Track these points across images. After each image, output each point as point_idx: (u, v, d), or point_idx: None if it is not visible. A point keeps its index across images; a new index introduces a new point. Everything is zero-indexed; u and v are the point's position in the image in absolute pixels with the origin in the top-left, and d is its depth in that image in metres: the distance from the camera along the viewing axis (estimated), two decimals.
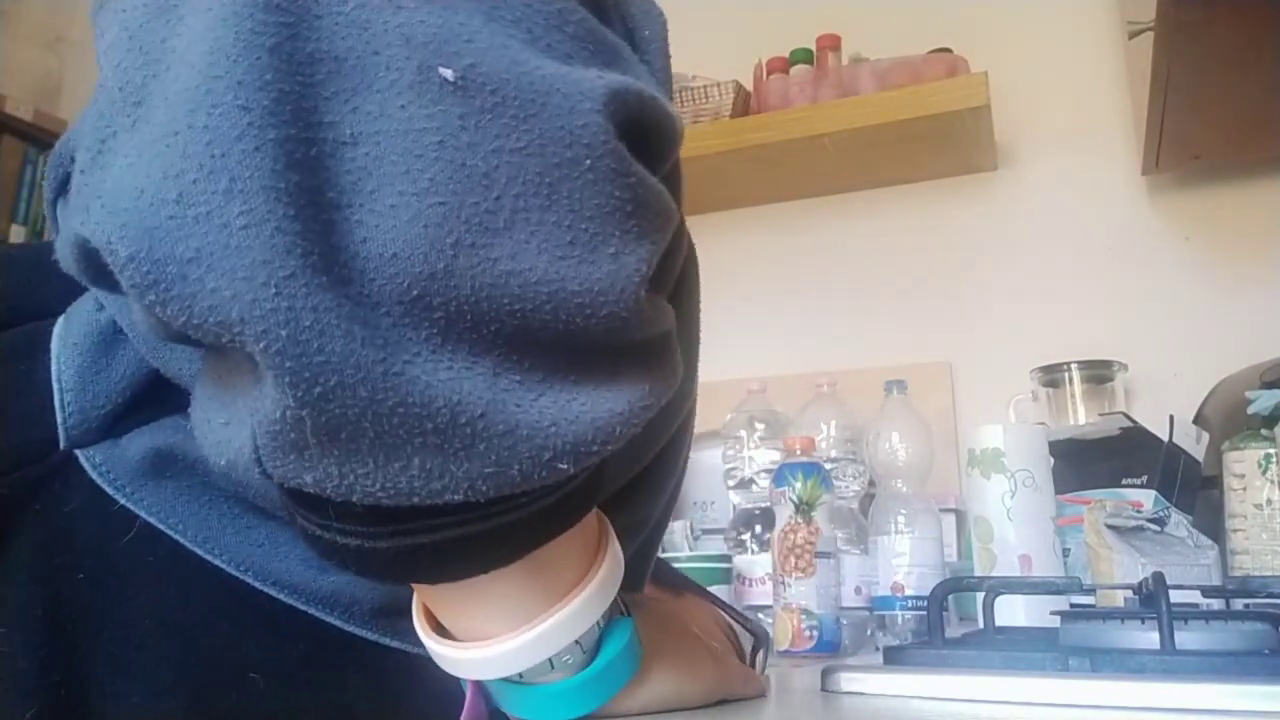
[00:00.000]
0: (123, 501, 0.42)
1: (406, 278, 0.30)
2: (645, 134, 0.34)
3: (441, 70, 0.30)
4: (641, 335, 0.34)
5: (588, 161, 0.31)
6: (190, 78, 0.29)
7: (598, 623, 0.40)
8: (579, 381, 0.33)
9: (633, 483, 0.48)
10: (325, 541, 0.35)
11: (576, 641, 0.39)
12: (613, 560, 0.41)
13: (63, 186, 0.43)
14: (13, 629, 0.40)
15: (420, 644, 0.41)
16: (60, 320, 0.45)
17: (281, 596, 0.43)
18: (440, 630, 0.40)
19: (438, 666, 0.40)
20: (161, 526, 0.42)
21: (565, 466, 0.32)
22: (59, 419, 0.42)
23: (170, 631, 0.42)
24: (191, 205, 0.29)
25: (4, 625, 0.40)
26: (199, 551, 0.43)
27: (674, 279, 0.40)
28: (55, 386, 0.43)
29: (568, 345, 0.32)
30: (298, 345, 0.29)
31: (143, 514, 0.42)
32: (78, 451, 0.43)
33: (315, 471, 0.31)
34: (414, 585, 0.40)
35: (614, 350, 0.34)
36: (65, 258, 0.35)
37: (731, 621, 0.65)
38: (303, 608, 0.44)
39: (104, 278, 0.33)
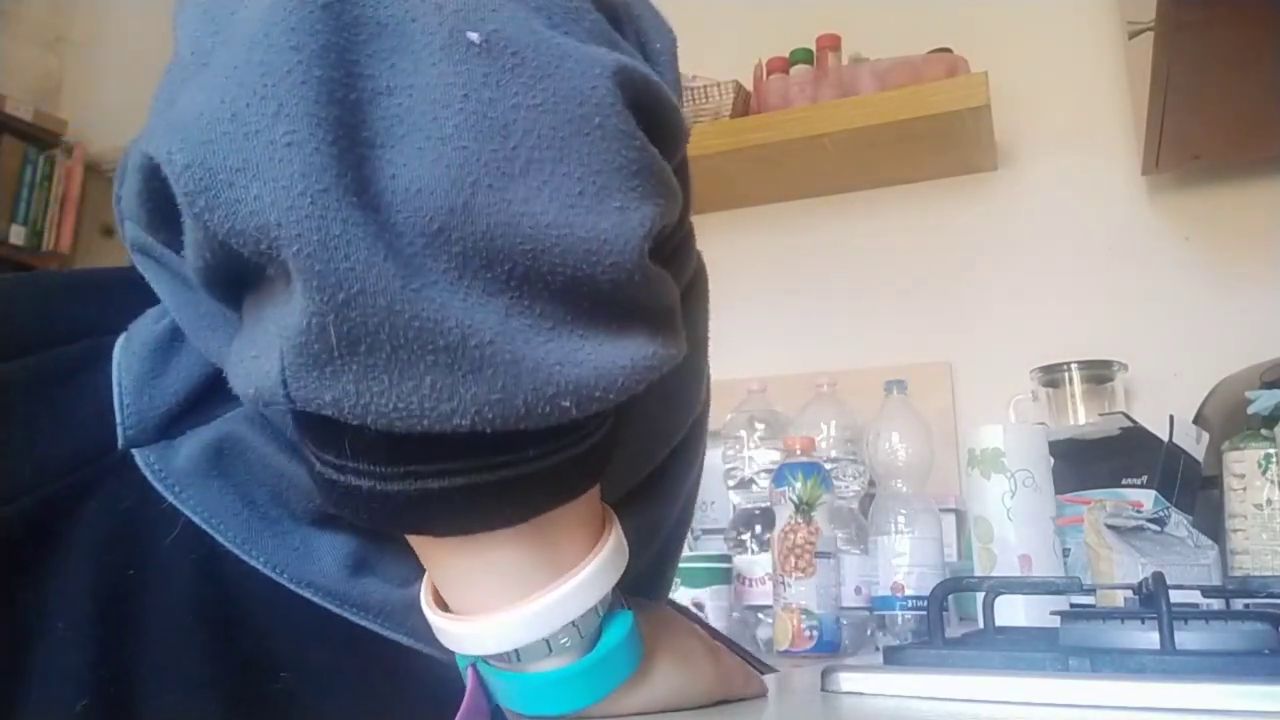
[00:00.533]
0: (170, 499, 0.44)
1: (429, 210, 0.32)
2: (648, 114, 0.37)
3: (469, 34, 0.34)
4: (646, 297, 0.37)
5: (597, 119, 0.35)
6: (252, 27, 0.33)
7: (597, 610, 0.40)
8: (585, 335, 0.35)
9: (644, 484, 0.49)
10: (340, 486, 0.37)
11: (574, 624, 0.39)
12: (616, 546, 0.42)
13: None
14: (70, 622, 0.42)
15: (450, 650, 0.42)
16: (123, 335, 0.47)
17: (316, 599, 0.45)
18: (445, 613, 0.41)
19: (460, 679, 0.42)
20: (204, 526, 0.44)
21: (568, 405, 0.34)
22: (118, 420, 0.45)
23: (208, 629, 0.44)
24: (243, 124, 0.32)
25: (62, 619, 0.42)
26: (238, 552, 0.44)
27: (682, 269, 0.41)
28: (115, 390, 0.45)
29: (575, 295, 0.35)
30: (326, 250, 0.31)
31: (188, 512, 0.44)
32: (134, 451, 0.45)
33: (334, 389, 0.33)
34: (421, 550, 0.41)
35: (620, 307, 0.36)
36: (130, 197, 0.40)
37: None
38: (336, 610, 0.45)
39: (160, 211, 0.38)
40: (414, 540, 0.41)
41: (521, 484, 0.37)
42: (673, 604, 0.72)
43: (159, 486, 0.44)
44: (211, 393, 0.46)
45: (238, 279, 0.37)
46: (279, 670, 0.44)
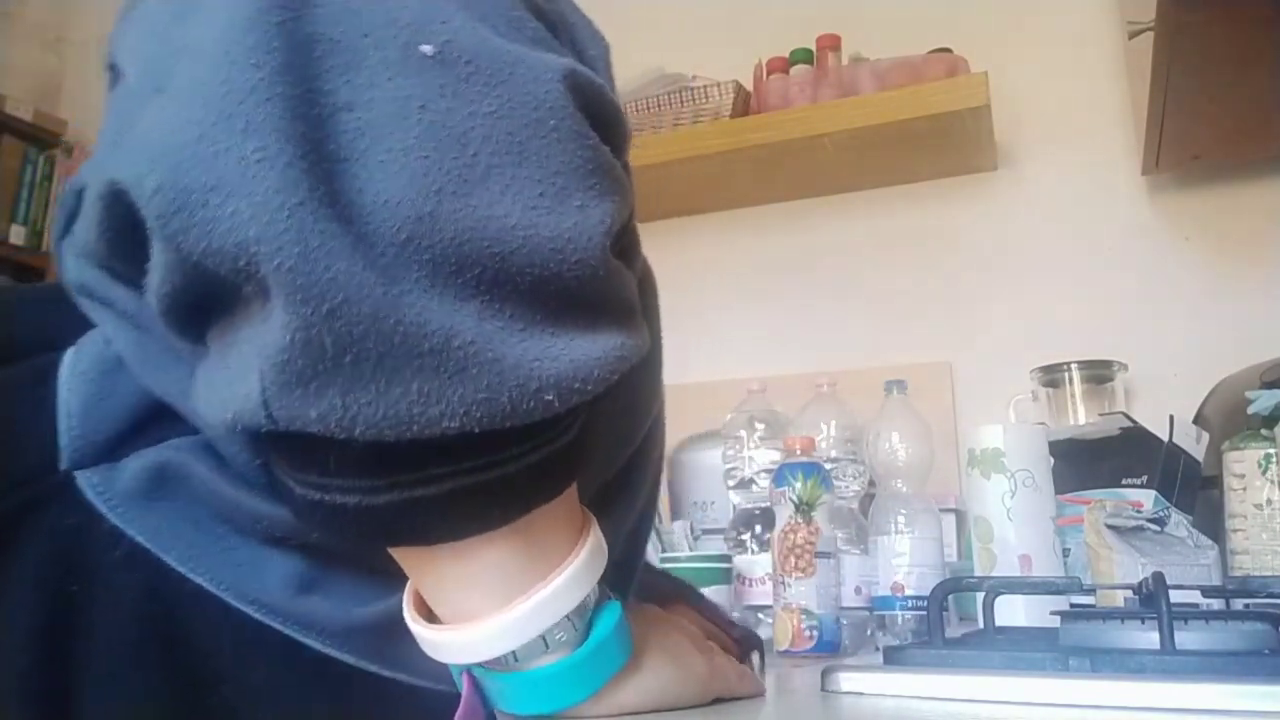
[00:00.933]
0: (114, 521, 0.44)
1: (397, 221, 0.33)
2: (597, 115, 0.38)
3: (422, 47, 0.35)
4: (610, 291, 0.38)
5: (552, 122, 0.36)
6: (211, 47, 0.34)
7: (588, 601, 0.41)
8: (556, 332, 0.36)
9: (608, 488, 0.50)
10: (325, 506, 0.36)
11: (569, 618, 0.40)
12: (598, 538, 0.42)
13: (68, 225, 0.45)
14: (12, 637, 0.42)
15: (398, 669, 0.44)
16: (70, 351, 0.47)
17: (259, 616, 0.45)
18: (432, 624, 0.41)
19: (411, 694, 0.43)
20: (148, 545, 0.44)
21: (551, 399, 0.35)
22: (62, 441, 0.45)
23: (151, 645, 0.44)
24: (212, 143, 0.32)
25: (4, 632, 0.42)
26: (182, 570, 0.44)
27: (631, 269, 0.43)
28: (61, 411, 0.45)
29: (544, 294, 0.36)
30: (307, 262, 0.32)
31: (131, 532, 0.44)
32: (76, 473, 0.44)
33: (320, 405, 0.33)
34: (410, 563, 0.41)
35: (587, 303, 0.37)
36: (86, 231, 0.39)
37: (721, 630, 0.65)
38: (279, 628, 0.45)
39: (122, 240, 0.37)
40: (401, 554, 0.41)
41: (507, 484, 0.37)
42: (677, 580, 0.73)
43: (101, 508, 0.44)
44: (157, 417, 0.46)
45: (204, 306, 0.36)
46: (220, 684, 0.44)
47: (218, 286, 0.34)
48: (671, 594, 0.69)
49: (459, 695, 0.42)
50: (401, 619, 0.43)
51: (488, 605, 0.39)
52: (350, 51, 0.34)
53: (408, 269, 0.33)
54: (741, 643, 0.66)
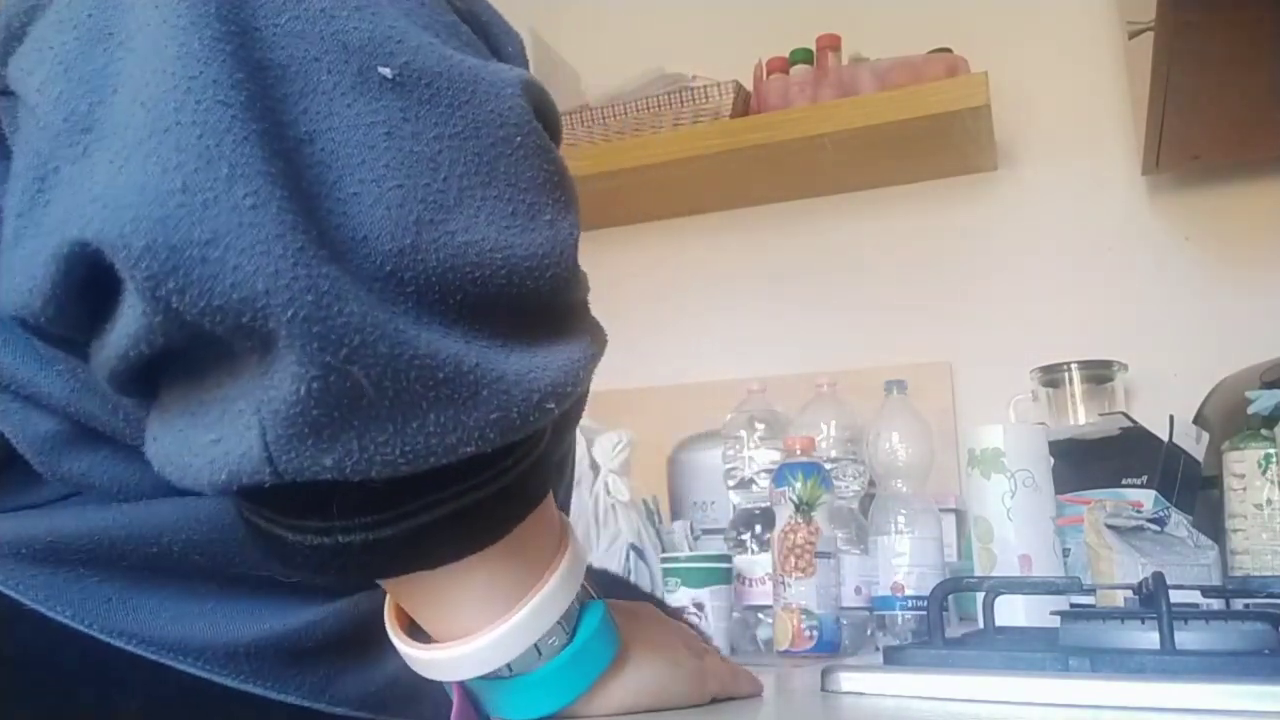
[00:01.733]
0: None
1: (378, 256, 0.32)
2: (546, 121, 0.38)
3: (380, 69, 0.34)
4: (577, 295, 0.39)
5: (518, 139, 0.36)
6: (164, 81, 0.30)
7: (576, 602, 0.41)
8: (532, 344, 0.36)
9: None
10: (327, 549, 0.35)
11: (559, 623, 0.40)
12: (576, 539, 0.43)
13: None
14: None
15: (283, 690, 0.44)
16: None
17: (129, 647, 0.44)
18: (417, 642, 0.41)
19: (303, 716, 0.43)
20: (1, 589, 0.43)
21: (552, 406, 0.35)
22: None
23: (11, 691, 0.43)
24: (198, 193, 0.30)
25: None
26: (41, 610, 0.43)
27: None
28: None
29: (519, 310, 0.36)
30: (321, 309, 0.30)
31: None
32: None
33: (335, 452, 0.32)
34: (403, 592, 0.41)
35: (556, 312, 0.37)
36: (27, 295, 0.32)
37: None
38: (151, 657, 0.44)
39: (79, 305, 0.32)
40: (392, 584, 0.40)
41: (505, 495, 0.37)
42: (663, 605, 0.73)
43: None
44: (4, 474, 0.45)
45: (164, 365, 0.34)
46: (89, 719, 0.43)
47: (201, 346, 0.32)
48: (636, 597, 0.70)
49: (347, 717, 0.42)
50: (299, 639, 0.43)
51: (482, 619, 0.39)
52: (300, 78, 0.32)
53: (394, 304, 0.32)
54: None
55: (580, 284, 0.39)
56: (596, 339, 0.39)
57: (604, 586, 0.46)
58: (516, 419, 0.34)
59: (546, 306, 0.37)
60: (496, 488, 0.37)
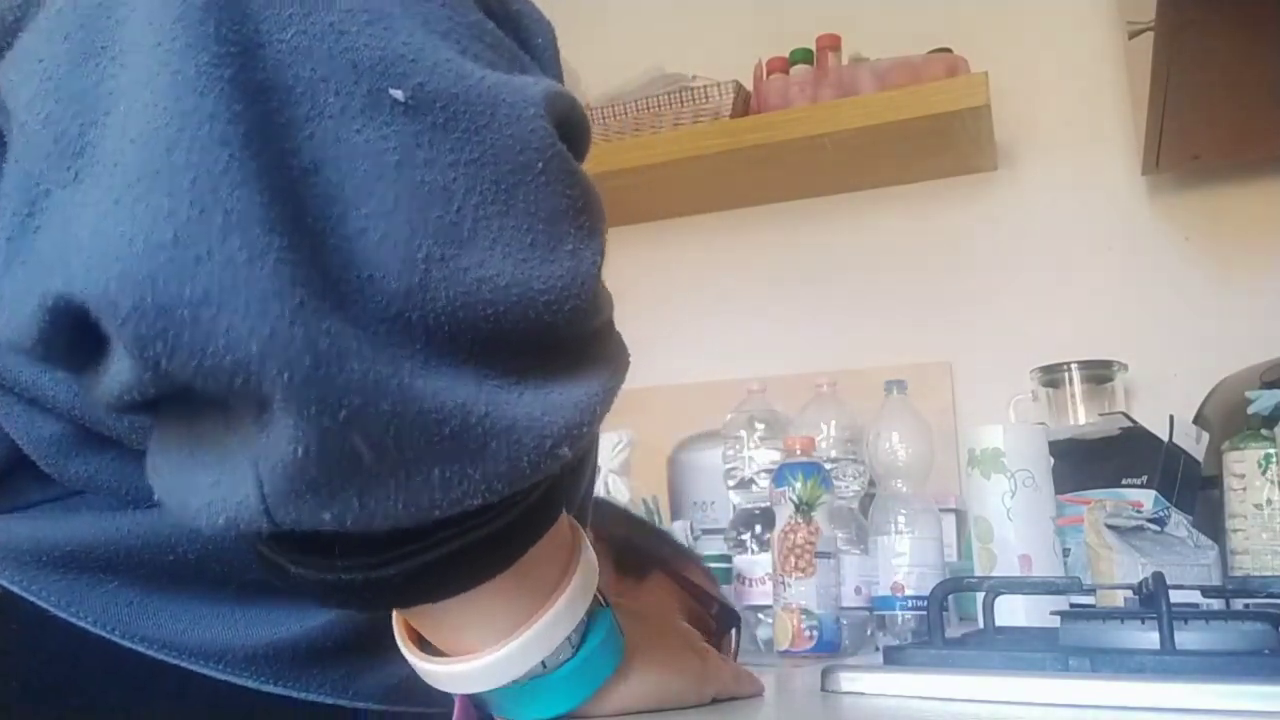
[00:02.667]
0: None
1: (384, 297, 0.30)
2: (573, 134, 0.36)
3: (392, 92, 0.31)
4: (598, 322, 0.36)
5: (539, 165, 0.33)
6: (154, 115, 0.28)
7: (585, 615, 0.41)
8: (547, 378, 0.34)
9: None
10: (326, 584, 0.35)
11: (568, 639, 0.40)
12: (588, 553, 0.42)
13: None
14: None
15: (305, 689, 0.43)
16: None
17: (150, 652, 0.44)
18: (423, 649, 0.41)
19: (330, 714, 0.43)
20: (23, 594, 0.43)
21: (565, 451, 0.34)
22: None
23: (37, 694, 0.43)
24: (190, 247, 0.27)
25: None
26: (63, 615, 0.43)
27: None
28: None
29: (535, 345, 0.34)
30: (319, 370, 0.28)
31: (3, 582, 0.43)
32: None
33: (333, 508, 0.30)
34: (402, 611, 0.41)
35: (574, 344, 0.35)
36: (22, 323, 0.30)
37: (699, 604, 0.65)
38: (173, 661, 0.44)
39: (68, 352, 0.31)
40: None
41: (511, 529, 0.36)
42: (657, 537, 0.72)
43: None
44: (17, 470, 0.44)
45: (163, 402, 0.32)
46: None
47: (193, 400, 0.30)
48: (651, 558, 0.69)
49: (381, 713, 0.42)
50: (319, 639, 0.43)
51: (491, 637, 0.39)
52: (307, 100, 0.30)
53: (402, 347, 0.30)
54: (719, 619, 0.66)
55: (600, 310, 0.36)
56: (617, 366, 0.37)
57: (621, 524, 0.45)
58: (526, 468, 0.33)
59: (563, 340, 0.34)
60: (503, 523, 0.35)
